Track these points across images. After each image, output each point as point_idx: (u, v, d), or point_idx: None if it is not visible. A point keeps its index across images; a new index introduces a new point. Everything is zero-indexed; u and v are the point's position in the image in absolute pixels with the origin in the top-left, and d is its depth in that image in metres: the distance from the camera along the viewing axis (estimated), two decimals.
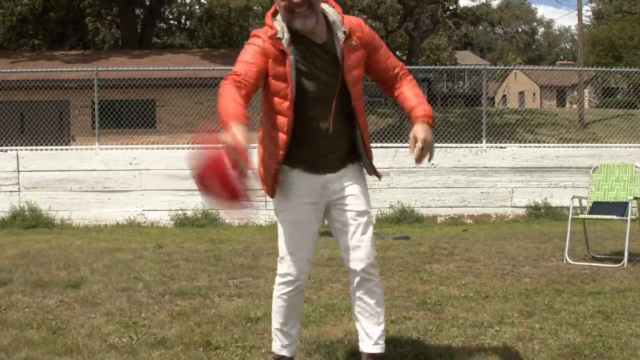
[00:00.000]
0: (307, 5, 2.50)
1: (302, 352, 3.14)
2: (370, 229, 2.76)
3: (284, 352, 2.85)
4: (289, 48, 2.56)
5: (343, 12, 2.69)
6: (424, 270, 5.34)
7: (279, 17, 2.61)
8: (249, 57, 2.56)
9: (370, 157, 2.78)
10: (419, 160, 2.59)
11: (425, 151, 2.58)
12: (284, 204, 2.72)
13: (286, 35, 2.56)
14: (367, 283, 2.75)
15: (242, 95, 2.43)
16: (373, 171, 2.81)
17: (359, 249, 2.71)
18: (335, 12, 2.65)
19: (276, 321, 2.82)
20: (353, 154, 2.77)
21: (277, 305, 2.79)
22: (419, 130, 2.60)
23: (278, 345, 2.86)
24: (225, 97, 2.43)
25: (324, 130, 2.63)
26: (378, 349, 2.78)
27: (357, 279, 2.74)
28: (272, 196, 2.72)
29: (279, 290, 2.78)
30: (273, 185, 2.68)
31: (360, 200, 2.74)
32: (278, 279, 2.78)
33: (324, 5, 2.64)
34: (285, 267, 2.74)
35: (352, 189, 2.74)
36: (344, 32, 2.60)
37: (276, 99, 2.59)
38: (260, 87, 2.62)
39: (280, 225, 2.75)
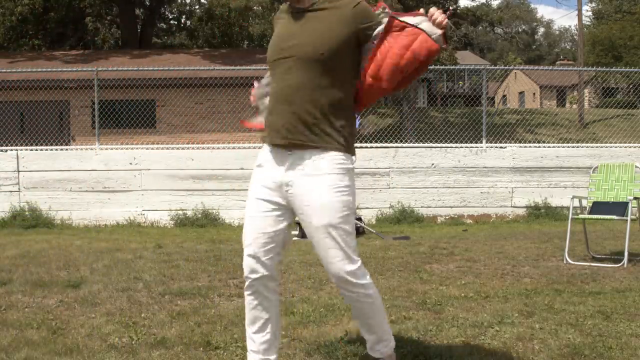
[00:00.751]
0: None
1: (302, 352, 3.14)
2: (339, 241, 2.45)
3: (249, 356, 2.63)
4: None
5: None
6: (424, 270, 5.34)
7: None
8: None
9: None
10: (440, 15, 2.43)
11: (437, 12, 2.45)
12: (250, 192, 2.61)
13: None
14: (348, 296, 2.56)
15: None
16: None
17: (329, 266, 2.49)
18: None
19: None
20: (321, 135, 2.46)
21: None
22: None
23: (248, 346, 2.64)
24: None
25: (287, 83, 2.48)
26: (375, 355, 2.76)
27: (340, 291, 2.60)
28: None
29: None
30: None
31: (321, 212, 2.43)
32: None
33: None
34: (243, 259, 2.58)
35: (311, 198, 2.44)
36: None
37: None
38: None
39: None
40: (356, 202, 2.78)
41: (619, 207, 5.75)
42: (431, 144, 10.38)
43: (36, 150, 10.02)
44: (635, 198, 5.70)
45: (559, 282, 4.80)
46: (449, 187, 9.85)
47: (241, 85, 14.19)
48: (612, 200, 5.87)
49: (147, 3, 26.55)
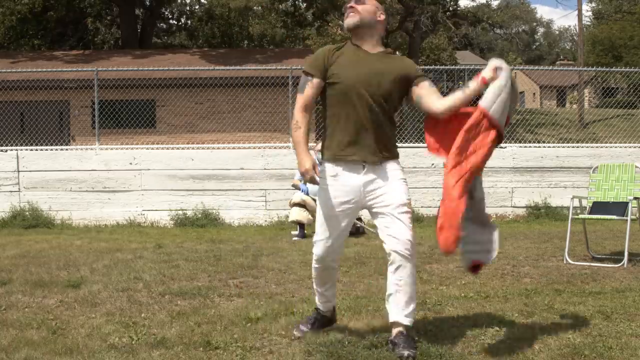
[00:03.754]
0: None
1: (302, 352, 3.14)
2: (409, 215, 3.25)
3: (319, 306, 3.51)
4: None
5: (340, 9, 2.82)
6: (424, 270, 5.33)
7: None
8: None
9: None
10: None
11: None
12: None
13: None
14: (405, 259, 3.12)
15: None
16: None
17: (399, 235, 3.17)
18: None
19: (313, 283, 3.49)
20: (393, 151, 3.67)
21: (312, 273, 3.43)
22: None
23: (316, 299, 3.53)
24: None
25: None
26: (406, 322, 3.13)
27: (396, 261, 3.13)
28: None
29: (313, 264, 3.38)
30: None
31: (400, 195, 3.31)
32: (313, 256, 3.35)
33: None
34: (315, 249, 3.31)
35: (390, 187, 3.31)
36: None
37: None
38: None
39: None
40: None
41: (619, 207, 5.75)
42: None
43: (36, 150, 10.02)
44: (635, 198, 5.70)
45: (559, 282, 4.80)
46: None
47: (241, 85, 14.21)
48: (612, 200, 5.87)
49: (147, 3, 26.55)
